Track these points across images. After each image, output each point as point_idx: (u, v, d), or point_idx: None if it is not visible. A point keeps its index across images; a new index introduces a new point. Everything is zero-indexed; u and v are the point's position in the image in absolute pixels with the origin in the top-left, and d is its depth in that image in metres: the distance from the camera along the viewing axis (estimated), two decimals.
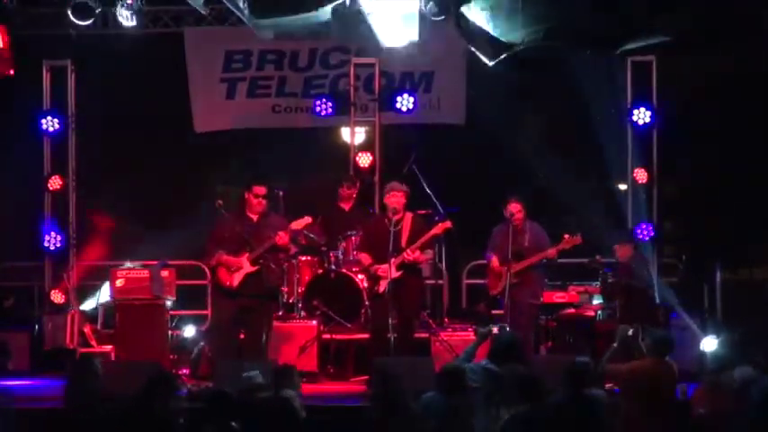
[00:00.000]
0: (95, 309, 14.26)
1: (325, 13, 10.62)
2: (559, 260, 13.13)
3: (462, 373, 8.77)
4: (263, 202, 12.24)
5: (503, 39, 10.28)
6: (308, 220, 12.38)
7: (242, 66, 15.40)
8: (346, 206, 13.84)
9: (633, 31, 10.61)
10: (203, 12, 11.03)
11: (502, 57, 10.59)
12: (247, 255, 12.11)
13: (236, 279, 12.15)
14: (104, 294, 13.98)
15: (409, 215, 12.28)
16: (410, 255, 12.06)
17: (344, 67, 15.04)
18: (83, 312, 14.06)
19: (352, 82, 14.74)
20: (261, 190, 12.25)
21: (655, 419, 9.26)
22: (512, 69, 11.70)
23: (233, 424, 7.78)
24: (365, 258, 12.37)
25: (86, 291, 14.43)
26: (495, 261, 12.63)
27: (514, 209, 12.49)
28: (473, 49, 11.07)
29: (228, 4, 11.34)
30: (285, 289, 13.22)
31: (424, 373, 9.96)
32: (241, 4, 10.69)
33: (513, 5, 10.10)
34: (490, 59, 10.72)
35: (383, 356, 11.60)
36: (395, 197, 12.19)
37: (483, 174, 16.57)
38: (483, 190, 15.11)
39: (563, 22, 10.30)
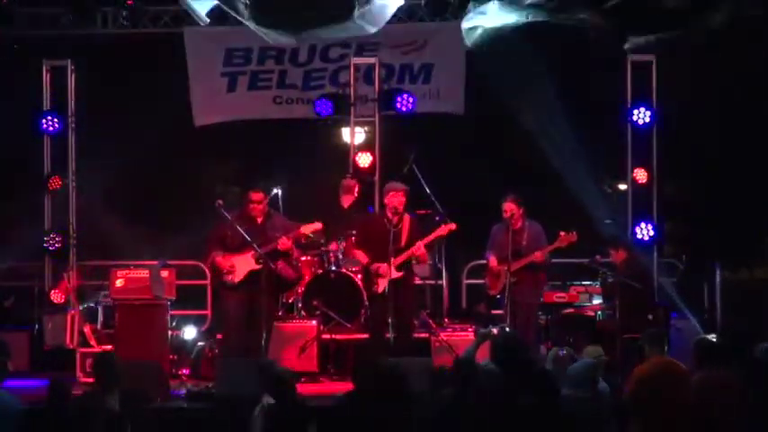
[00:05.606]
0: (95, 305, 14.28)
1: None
2: (560, 260, 13.14)
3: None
4: (260, 207, 12.29)
5: (506, 22, 10.29)
6: (317, 225, 12.37)
7: (242, 61, 15.42)
8: (346, 203, 13.82)
9: (633, 29, 10.60)
10: (202, 24, 11.03)
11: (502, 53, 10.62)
12: (252, 252, 12.11)
13: (239, 275, 12.16)
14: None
15: (407, 217, 12.27)
16: (419, 249, 12.07)
17: (344, 60, 15.05)
18: (83, 312, 14.06)
19: (351, 82, 14.72)
20: (257, 196, 12.29)
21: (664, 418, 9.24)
22: (512, 64, 11.71)
23: None
24: (362, 256, 12.37)
25: (86, 291, 14.44)
26: (493, 260, 12.64)
27: (509, 208, 12.50)
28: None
29: (230, 11, 11.32)
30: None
31: (423, 373, 9.94)
32: (241, 8, 10.67)
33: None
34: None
35: (383, 356, 11.59)
36: (395, 197, 12.20)
37: (483, 171, 16.56)
38: (483, 188, 15.08)
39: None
